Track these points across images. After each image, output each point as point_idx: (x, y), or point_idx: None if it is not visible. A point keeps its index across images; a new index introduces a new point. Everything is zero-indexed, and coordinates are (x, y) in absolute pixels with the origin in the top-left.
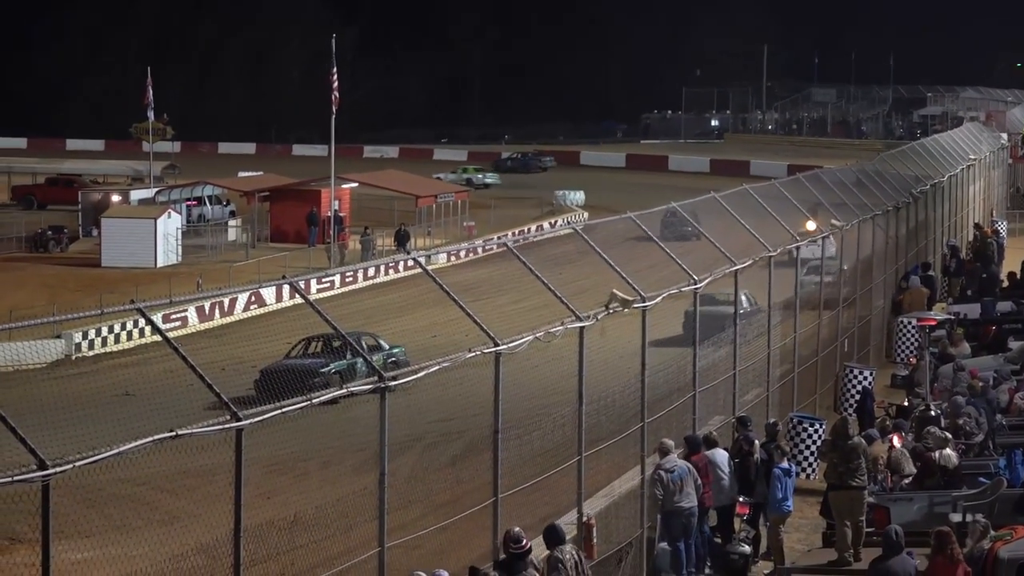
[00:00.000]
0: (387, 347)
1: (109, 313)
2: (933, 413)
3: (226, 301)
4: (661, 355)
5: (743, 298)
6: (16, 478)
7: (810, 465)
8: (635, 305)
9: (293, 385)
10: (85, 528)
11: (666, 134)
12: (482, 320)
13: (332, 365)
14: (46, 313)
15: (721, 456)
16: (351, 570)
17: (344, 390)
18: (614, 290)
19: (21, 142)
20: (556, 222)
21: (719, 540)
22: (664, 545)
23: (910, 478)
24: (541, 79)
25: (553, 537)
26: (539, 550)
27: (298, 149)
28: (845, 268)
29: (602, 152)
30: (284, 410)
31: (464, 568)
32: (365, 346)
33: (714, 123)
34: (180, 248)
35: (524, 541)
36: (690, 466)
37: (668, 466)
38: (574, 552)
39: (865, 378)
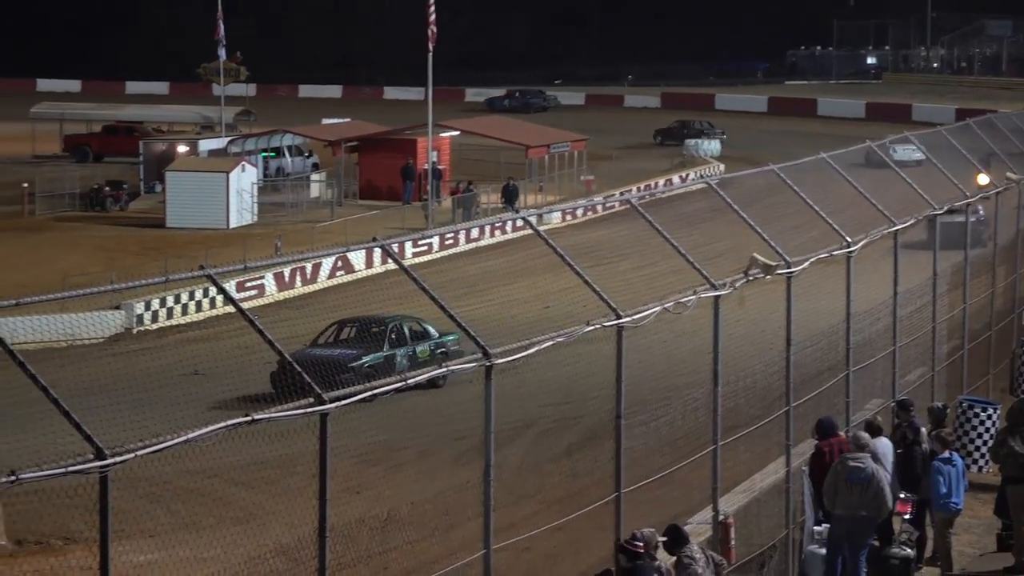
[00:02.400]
0: (435, 335)
1: (175, 280)
2: None
3: (309, 267)
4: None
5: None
6: (70, 469)
7: (982, 456)
8: (778, 271)
9: (317, 381)
10: (149, 526)
11: (815, 73)
12: (602, 289)
13: (366, 357)
14: (104, 280)
15: (885, 446)
16: (452, 575)
17: (444, 369)
18: (754, 254)
19: (74, 85)
20: (687, 176)
21: (877, 543)
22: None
23: None
24: (670, 8)
25: (677, 539)
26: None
27: (390, 92)
28: None
29: (740, 95)
30: (375, 392)
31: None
32: (407, 333)
33: (870, 61)
34: (256, 206)
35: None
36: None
37: (854, 463)
38: (707, 553)
39: None
